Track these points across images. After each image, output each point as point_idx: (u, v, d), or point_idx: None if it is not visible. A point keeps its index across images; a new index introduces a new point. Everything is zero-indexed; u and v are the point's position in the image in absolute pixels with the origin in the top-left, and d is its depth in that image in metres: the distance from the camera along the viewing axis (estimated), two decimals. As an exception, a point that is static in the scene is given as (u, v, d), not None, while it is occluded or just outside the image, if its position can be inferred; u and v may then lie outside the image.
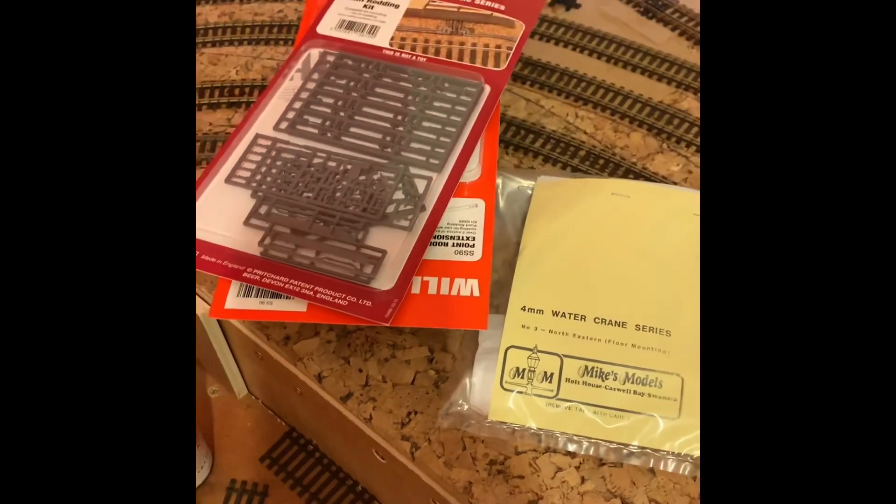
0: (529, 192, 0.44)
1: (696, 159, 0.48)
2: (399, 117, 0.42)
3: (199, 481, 0.46)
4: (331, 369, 0.40)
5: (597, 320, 0.38)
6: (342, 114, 0.42)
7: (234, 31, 0.57)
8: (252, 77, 0.54)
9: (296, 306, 0.36)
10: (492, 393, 0.36)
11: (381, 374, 0.39)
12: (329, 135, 0.42)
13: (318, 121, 0.42)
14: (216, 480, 0.47)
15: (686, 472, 0.35)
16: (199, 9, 0.59)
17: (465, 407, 0.37)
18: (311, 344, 0.41)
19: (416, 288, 0.36)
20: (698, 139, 0.49)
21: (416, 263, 0.37)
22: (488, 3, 0.47)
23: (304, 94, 0.44)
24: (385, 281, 0.36)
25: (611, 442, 0.36)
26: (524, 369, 0.37)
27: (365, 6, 0.48)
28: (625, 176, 0.47)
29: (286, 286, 0.36)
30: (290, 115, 0.43)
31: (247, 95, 0.53)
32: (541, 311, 0.38)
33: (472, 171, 0.41)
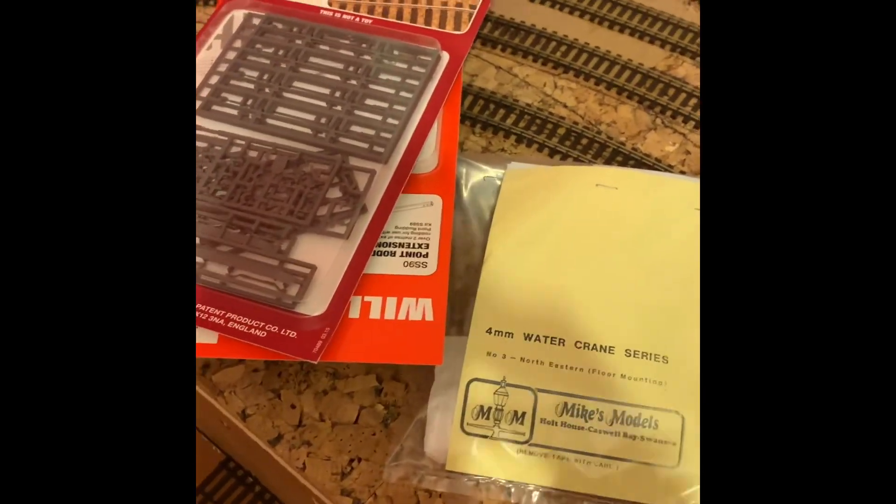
0: (498, 182, 0.36)
1: (696, 137, 0.41)
2: (337, 94, 0.35)
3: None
4: (257, 405, 0.33)
5: (578, 345, 0.31)
6: (267, 90, 0.35)
7: (155, -12, 0.49)
8: (175, 44, 0.46)
9: (204, 337, 0.29)
10: (450, 437, 0.30)
11: (318, 410, 0.32)
12: (251, 117, 0.34)
13: (238, 99, 0.35)
14: (138, 522, 0.41)
15: (688, 534, 0.29)
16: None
17: (419, 455, 0.30)
18: (234, 373, 0.34)
19: (354, 311, 0.29)
20: (698, 112, 0.42)
21: (354, 281, 0.29)
22: (448, -48, 0.39)
23: (223, 67, 0.36)
24: (315, 304, 0.29)
25: (596, 497, 0.29)
26: (490, 408, 0.30)
27: (299, -43, 0.40)
28: (612, 158, 0.40)
29: (191, 313, 0.29)
30: (205, 92, 0.35)
31: (168, 66, 0.45)
32: (510, 335, 0.31)
33: (427, 161, 0.34)
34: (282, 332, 0.28)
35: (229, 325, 0.28)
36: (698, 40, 0.46)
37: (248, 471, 0.43)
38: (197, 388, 0.34)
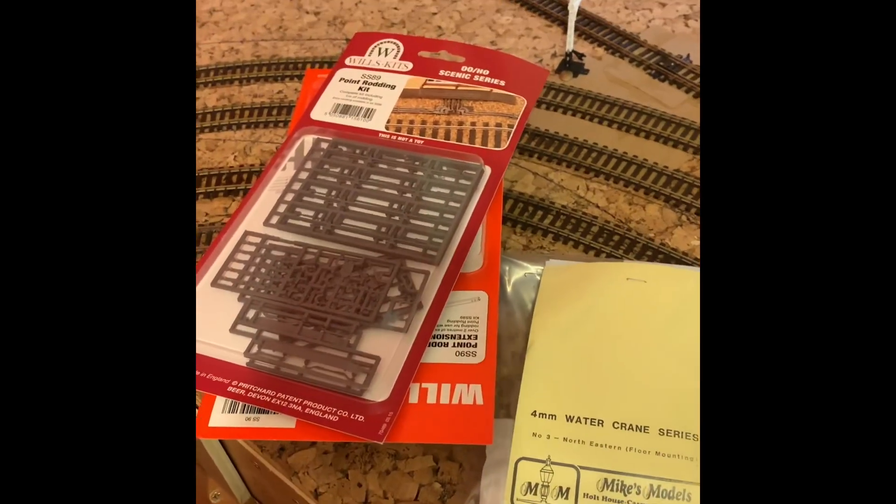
0: (538, 277, 0.41)
1: (719, 231, 0.45)
2: (395, 206, 0.40)
3: None
4: (328, 484, 0.36)
5: (616, 425, 0.34)
6: (335, 205, 0.40)
7: (232, 114, 0.56)
8: (250, 162, 0.52)
9: (284, 423, 0.33)
10: (502, 511, 0.33)
11: (381, 488, 0.36)
12: (321, 228, 0.39)
13: (311, 213, 0.40)
14: None
15: None
16: (197, 93, 0.58)
17: (474, 527, 0.33)
18: (307, 456, 0.38)
19: (413, 397, 0.33)
20: (720, 209, 0.46)
21: (412, 370, 0.34)
22: (488, 80, 0.45)
23: (297, 185, 0.42)
24: (379, 391, 0.33)
25: (637, 566, 0.32)
26: (537, 484, 0.33)
27: (360, 88, 0.46)
28: (642, 253, 0.44)
29: (272, 401, 0.33)
30: (281, 208, 0.40)
31: (244, 182, 0.51)
32: (553, 417, 0.34)
33: (474, 261, 0.38)
34: (351, 417, 0.32)
35: (306, 410, 0.33)
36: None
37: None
38: (273, 469, 0.38)
